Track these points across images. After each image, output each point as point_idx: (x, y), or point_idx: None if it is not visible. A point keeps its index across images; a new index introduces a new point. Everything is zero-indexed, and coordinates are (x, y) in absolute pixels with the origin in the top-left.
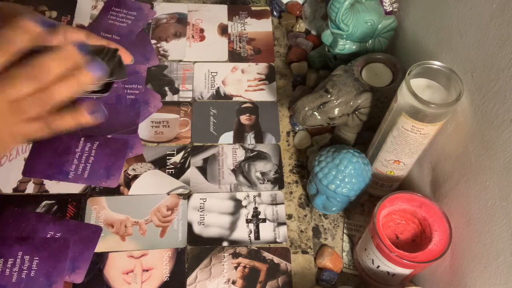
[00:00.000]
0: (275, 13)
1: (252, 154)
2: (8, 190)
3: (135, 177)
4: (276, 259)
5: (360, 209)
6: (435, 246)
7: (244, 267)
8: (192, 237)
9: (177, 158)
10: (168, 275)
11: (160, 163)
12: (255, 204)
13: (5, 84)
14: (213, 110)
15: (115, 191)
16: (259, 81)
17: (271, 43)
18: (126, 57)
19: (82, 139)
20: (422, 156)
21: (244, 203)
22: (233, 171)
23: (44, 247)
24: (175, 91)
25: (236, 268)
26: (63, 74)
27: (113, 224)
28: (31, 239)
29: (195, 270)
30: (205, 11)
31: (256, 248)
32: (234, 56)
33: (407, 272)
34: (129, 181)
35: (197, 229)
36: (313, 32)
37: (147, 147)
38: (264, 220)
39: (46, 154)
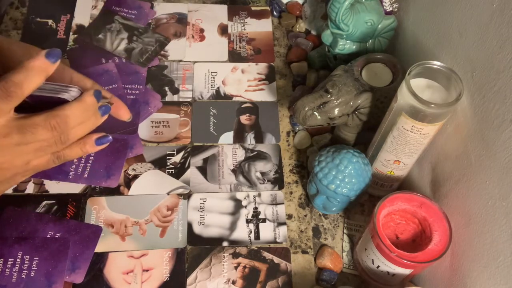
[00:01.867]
0: (275, 13)
1: (252, 154)
2: (8, 190)
3: (135, 177)
4: (276, 259)
5: (360, 209)
6: (435, 246)
7: (244, 267)
8: (192, 237)
9: (177, 158)
10: (168, 275)
11: (160, 163)
12: (255, 204)
13: (26, 131)
14: (213, 110)
15: (115, 191)
16: (259, 81)
17: (271, 43)
18: (125, 114)
19: None
20: (422, 156)
21: (244, 203)
22: (233, 171)
23: (44, 247)
24: (175, 91)
25: (236, 268)
26: (81, 120)
27: (113, 224)
28: (31, 239)
29: (195, 270)
30: (205, 11)
31: (256, 248)
32: (234, 56)
33: (407, 272)
34: (129, 181)
35: (197, 229)
36: (313, 32)
37: (147, 147)
38: (264, 220)
39: None
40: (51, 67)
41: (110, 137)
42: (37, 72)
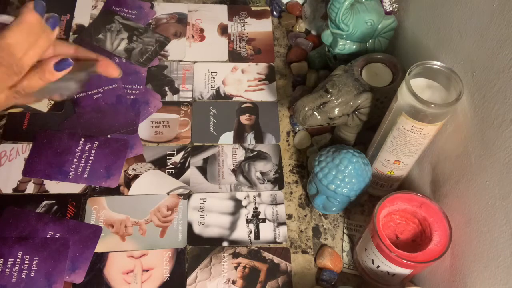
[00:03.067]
0: (275, 13)
1: (252, 154)
2: (8, 190)
3: (135, 177)
4: (276, 259)
5: (360, 209)
6: (435, 246)
7: (244, 267)
8: (192, 237)
9: (177, 158)
10: (168, 275)
11: (160, 163)
12: (255, 204)
13: None
14: (213, 110)
15: (115, 191)
16: (259, 81)
17: (271, 43)
18: (114, 71)
19: (82, 139)
20: (422, 156)
21: (244, 203)
22: (233, 171)
23: (44, 247)
24: (175, 91)
25: (236, 268)
26: (30, 44)
27: (113, 224)
28: (31, 239)
29: (195, 270)
30: (205, 11)
31: (256, 248)
32: (234, 56)
33: (407, 272)
34: (129, 181)
35: (197, 229)
36: (313, 32)
37: (147, 147)
38: (264, 220)
39: (46, 154)
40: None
41: (70, 60)
42: None
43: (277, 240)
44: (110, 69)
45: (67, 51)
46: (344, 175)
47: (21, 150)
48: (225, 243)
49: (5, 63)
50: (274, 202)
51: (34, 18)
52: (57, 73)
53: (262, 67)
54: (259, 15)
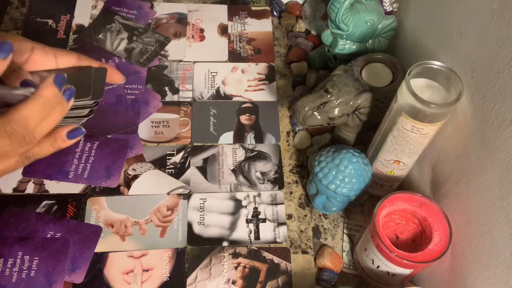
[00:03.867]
0: (275, 13)
1: (252, 154)
2: (8, 190)
3: (135, 177)
4: (276, 259)
5: (360, 209)
6: (435, 246)
7: (244, 267)
8: (192, 237)
9: (177, 158)
10: (168, 275)
11: (160, 163)
12: (255, 204)
13: None
14: (213, 110)
15: (115, 191)
16: (259, 81)
17: (271, 43)
18: (118, 78)
19: (82, 139)
20: (422, 156)
21: (244, 203)
22: (233, 171)
23: (44, 247)
24: (175, 91)
25: (236, 268)
26: (44, 116)
27: (113, 224)
28: (31, 239)
29: (195, 270)
30: (205, 11)
31: (256, 248)
32: (234, 56)
33: (407, 272)
34: (129, 181)
35: (197, 229)
36: (313, 32)
37: (147, 147)
38: (264, 220)
39: None
40: (1, 64)
41: (83, 129)
42: None
43: (277, 240)
44: (114, 77)
45: (70, 61)
46: (344, 175)
47: None
48: (225, 243)
49: (17, 135)
50: (274, 202)
51: (52, 92)
52: (69, 141)
53: (262, 67)
54: (259, 15)
